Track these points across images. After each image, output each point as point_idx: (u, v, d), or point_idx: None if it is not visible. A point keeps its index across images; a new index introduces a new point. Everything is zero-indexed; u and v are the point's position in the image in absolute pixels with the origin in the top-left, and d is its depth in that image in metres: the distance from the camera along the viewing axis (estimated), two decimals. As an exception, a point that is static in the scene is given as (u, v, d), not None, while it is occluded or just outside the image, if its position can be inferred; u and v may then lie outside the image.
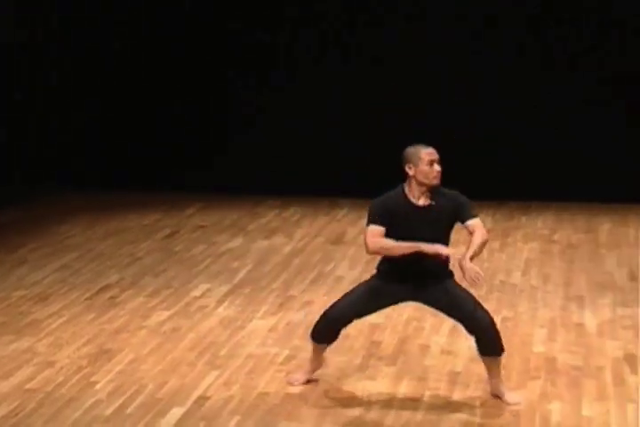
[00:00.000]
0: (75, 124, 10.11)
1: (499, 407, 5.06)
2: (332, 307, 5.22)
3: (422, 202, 4.99)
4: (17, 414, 5.07)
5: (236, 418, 5.00)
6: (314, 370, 5.39)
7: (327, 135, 9.48)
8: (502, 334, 6.02)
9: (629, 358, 5.69)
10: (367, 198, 9.25)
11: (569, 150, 9.28)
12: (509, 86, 9.32)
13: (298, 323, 6.32)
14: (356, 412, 5.05)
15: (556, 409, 5.05)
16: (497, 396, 5.19)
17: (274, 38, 9.68)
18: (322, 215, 8.80)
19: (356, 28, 9.53)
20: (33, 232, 8.66)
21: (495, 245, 8.12)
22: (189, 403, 5.17)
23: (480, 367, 5.56)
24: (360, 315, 5.22)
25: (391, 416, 4.99)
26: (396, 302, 5.25)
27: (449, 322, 6.30)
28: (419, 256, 4.91)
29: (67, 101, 10.07)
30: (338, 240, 8.26)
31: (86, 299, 6.89)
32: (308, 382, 5.38)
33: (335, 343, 5.88)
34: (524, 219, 8.96)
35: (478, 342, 5.11)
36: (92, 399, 5.23)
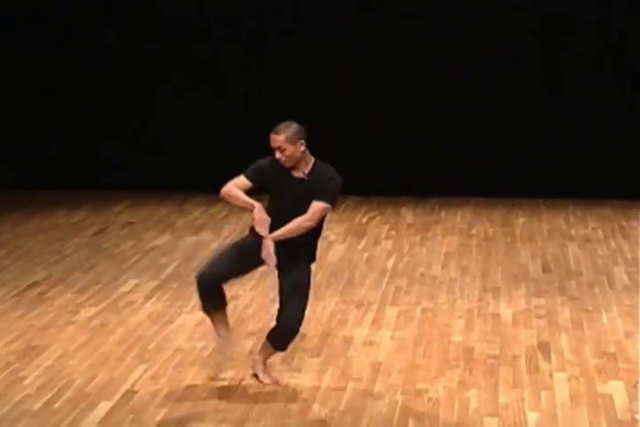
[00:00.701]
0: (2, 123, 10.05)
1: (419, 396, 5.24)
2: (202, 271, 5.23)
3: (296, 174, 5.18)
4: (-54, 411, 5.12)
5: (164, 411, 5.10)
6: (226, 335, 5.40)
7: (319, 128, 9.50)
8: (422, 325, 6.28)
9: (543, 347, 5.91)
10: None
11: (489, 149, 9.51)
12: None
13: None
14: (281, 403, 5.18)
15: (473, 396, 5.24)
16: (255, 374, 5.41)
17: (273, 37, 9.67)
18: (249, 212, 8.88)
19: (355, 27, 9.58)
20: (-41, 230, 8.65)
21: (416, 238, 8.34)
22: (117, 397, 5.26)
23: (401, 358, 5.77)
24: (232, 271, 5.24)
25: (316, 406, 5.14)
26: (256, 262, 5.25)
27: (371, 314, 6.52)
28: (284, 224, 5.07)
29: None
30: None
31: (14, 295, 6.91)
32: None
33: (260, 336, 6.02)
34: (443, 213, 9.19)
35: (273, 328, 5.32)
36: (21, 395, 5.29)
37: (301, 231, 5.12)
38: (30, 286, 7.11)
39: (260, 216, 5.07)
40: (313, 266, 5.36)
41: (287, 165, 5.14)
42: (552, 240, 8.26)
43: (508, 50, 9.37)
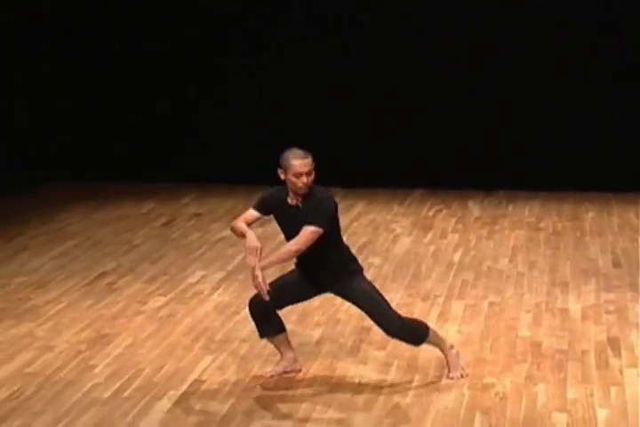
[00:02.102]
0: (75, 118, 10.21)
1: (486, 390, 5.20)
2: (252, 301, 5.30)
3: (292, 201, 5.12)
4: (17, 398, 5.20)
5: (231, 401, 5.14)
6: (291, 357, 5.44)
7: (325, 126, 9.58)
8: (489, 319, 6.23)
9: (613, 342, 5.83)
10: (359, 188, 9.52)
11: (557, 142, 9.42)
12: (510, 84, 9.39)
13: (290, 309, 6.46)
14: (347, 395, 5.19)
15: (541, 391, 5.19)
16: None
17: (274, 36, 9.73)
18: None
19: (355, 27, 9.60)
20: (32, 220, 8.79)
21: (483, 232, 8.28)
22: (185, 387, 5.31)
23: (468, 352, 5.73)
24: (282, 300, 5.26)
25: (382, 399, 5.14)
26: (310, 293, 5.33)
27: (437, 308, 6.49)
28: (310, 254, 5.02)
29: (68, 97, 10.17)
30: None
31: (84, 285, 7.03)
32: (285, 373, 5.43)
33: (326, 329, 6.06)
34: (511, 207, 9.11)
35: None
36: (91, 383, 5.37)
37: (291, 256, 5.05)
38: (100, 276, 7.22)
39: (249, 245, 5.00)
40: (368, 275, 5.37)
41: (304, 191, 5.04)
42: (622, 235, 8.14)
43: (508, 50, 9.26)
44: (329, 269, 5.16)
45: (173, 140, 10.15)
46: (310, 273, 5.20)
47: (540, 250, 7.75)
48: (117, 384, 5.36)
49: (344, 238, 5.31)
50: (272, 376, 5.41)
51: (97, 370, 5.55)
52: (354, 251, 7.83)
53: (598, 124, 9.33)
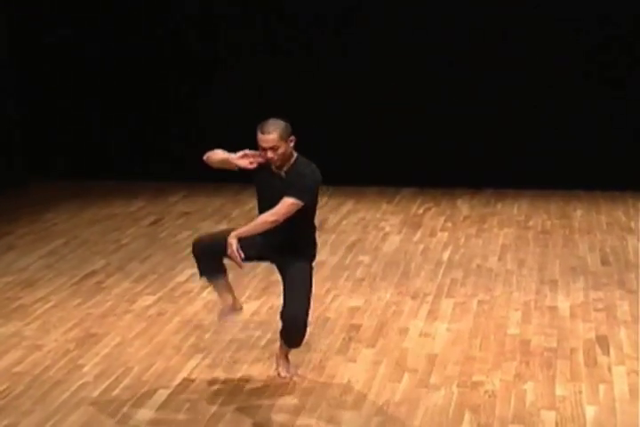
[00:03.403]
0: (63, 116, 10.18)
1: (475, 388, 5.21)
2: (200, 237, 5.29)
3: (276, 169, 5.11)
4: (5, 397, 5.19)
5: (220, 399, 5.14)
6: (230, 300, 5.37)
7: (313, 124, 9.58)
8: (478, 317, 6.24)
9: (601, 340, 5.85)
10: (348, 186, 9.52)
11: (546, 140, 9.43)
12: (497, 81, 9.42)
13: (278, 307, 6.45)
14: (336, 393, 5.19)
15: (530, 389, 5.20)
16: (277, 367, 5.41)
17: (274, 35, 9.69)
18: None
19: (355, 27, 9.56)
20: (20, 219, 8.76)
21: (472, 230, 8.29)
22: (174, 385, 5.31)
23: (457, 350, 5.74)
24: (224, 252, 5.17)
25: (371, 397, 5.14)
26: (259, 254, 5.25)
27: (427, 306, 6.50)
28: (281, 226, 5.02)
29: (57, 95, 10.15)
30: (319, 227, 8.35)
31: (73, 284, 7.01)
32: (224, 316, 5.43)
33: (315, 328, 6.06)
34: (499, 205, 9.12)
35: (282, 327, 5.23)
36: (80, 382, 5.36)
37: (266, 226, 5.00)
38: (88, 275, 7.20)
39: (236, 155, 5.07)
40: (316, 264, 5.39)
41: (277, 164, 5.04)
42: (611, 233, 8.16)
43: (509, 50, 9.26)
44: (290, 242, 5.13)
45: (162, 139, 10.12)
46: (269, 237, 5.11)
47: (529, 248, 7.77)
48: (106, 383, 5.35)
49: (332, 237, 5.30)
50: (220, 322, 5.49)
51: (85, 369, 5.54)
52: (342, 249, 7.90)
53: (587, 123, 9.33)
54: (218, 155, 5.20)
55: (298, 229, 5.13)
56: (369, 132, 9.65)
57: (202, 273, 5.32)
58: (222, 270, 5.30)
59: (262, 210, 5.13)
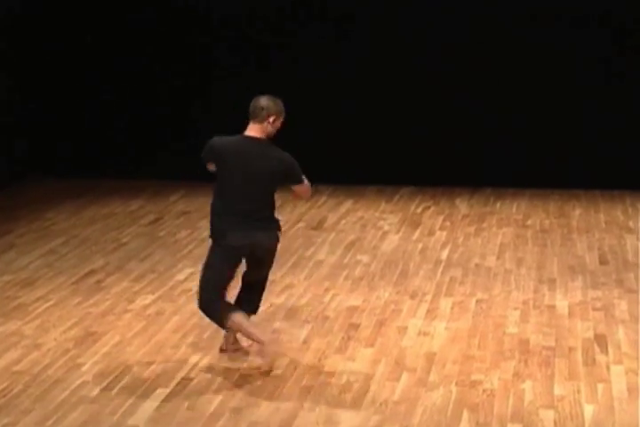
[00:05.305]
0: (62, 115, 10.19)
1: (474, 387, 5.22)
2: (201, 298, 5.50)
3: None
4: (5, 396, 5.20)
5: (219, 398, 5.15)
6: (260, 333, 5.50)
7: (312, 124, 9.58)
8: (477, 316, 6.26)
9: (599, 339, 5.86)
10: (347, 185, 9.52)
11: (544, 140, 9.44)
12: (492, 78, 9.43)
13: (279, 306, 6.48)
14: (335, 392, 5.20)
15: (528, 388, 5.21)
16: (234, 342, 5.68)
17: (274, 35, 9.70)
18: (302, 201, 8.95)
19: (355, 27, 9.57)
20: (20, 218, 8.76)
21: (471, 230, 8.29)
22: (173, 384, 5.31)
23: (455, 349, 5.75)
24: (227, 280, 5.50)
25: (369, 396, 5.15)
26: (244, 253, 5.51)
27: (425, 305, 6.50)
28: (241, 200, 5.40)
29: (55, 95, 10.16)
30: (318, 226, 8.42)
31: (72, 283, 7.02)
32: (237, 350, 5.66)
33: (314, 326, 6.07)
34: (498, 205, 9.13)
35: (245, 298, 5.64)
36: (79, 381, 5.37)
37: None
38: (88, 274, 7.21)
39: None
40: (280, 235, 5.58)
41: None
42: (609, 232, 8.17)
43: (509, 50, 9.24)
44: (263, 221, 5.42)
45: (162, 138, 10.12)
46: (246, 225, 5.38)
47: (528, 247, 7.77)
48: (105, 382, 5.35)
49: (331, 236, 5.35)
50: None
51: (85, 368, 5.54)
52: (341, 248, 7.91)
53: (584, 122, 9.34)
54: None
55: (265, 208, 5.49)
56: (368, 132, 9.65)
57: (225, 327, 5.55)
58: (236, 309, 5.47)
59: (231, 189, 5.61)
